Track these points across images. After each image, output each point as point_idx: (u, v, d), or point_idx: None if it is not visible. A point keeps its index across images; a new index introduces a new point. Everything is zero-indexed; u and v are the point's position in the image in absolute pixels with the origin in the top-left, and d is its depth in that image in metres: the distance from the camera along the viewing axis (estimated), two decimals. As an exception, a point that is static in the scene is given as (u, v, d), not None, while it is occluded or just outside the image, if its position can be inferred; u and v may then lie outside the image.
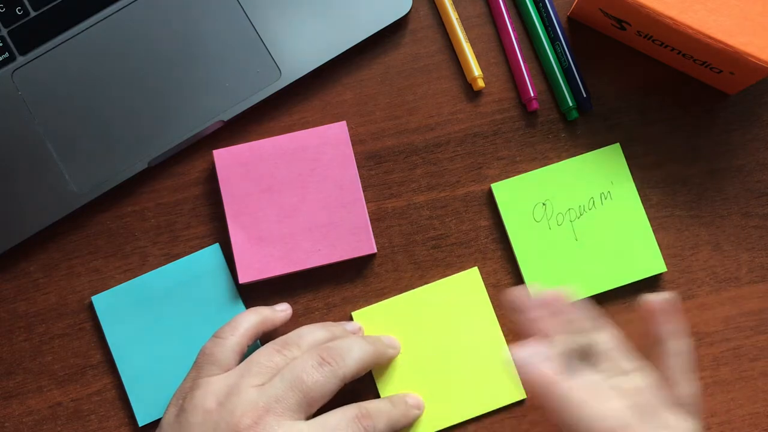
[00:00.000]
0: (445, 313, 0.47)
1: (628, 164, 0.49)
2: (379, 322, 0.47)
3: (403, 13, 0.50)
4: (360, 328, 0.46)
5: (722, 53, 0.44)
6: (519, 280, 0.48)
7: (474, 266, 0.48)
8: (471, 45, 0.51)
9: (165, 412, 0.41)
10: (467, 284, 0.48)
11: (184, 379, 0.42)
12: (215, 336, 0.43)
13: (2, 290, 0.49)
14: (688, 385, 0.38)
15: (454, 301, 0.48)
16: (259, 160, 0.48)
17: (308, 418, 0.40)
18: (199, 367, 0.41)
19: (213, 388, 0.39)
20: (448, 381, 0.47)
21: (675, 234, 0.49)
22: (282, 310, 0.46)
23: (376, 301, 0.48)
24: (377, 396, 0.46)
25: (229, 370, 0.41)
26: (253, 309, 0.45)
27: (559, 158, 0.50)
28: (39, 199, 0.48)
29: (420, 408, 0.45)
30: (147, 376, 0.47)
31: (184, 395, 0.40)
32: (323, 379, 0.39)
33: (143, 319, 0.47)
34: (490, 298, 0.48)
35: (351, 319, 0.48)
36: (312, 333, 0.43)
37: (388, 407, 0.42)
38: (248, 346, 0.43)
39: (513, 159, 0.50)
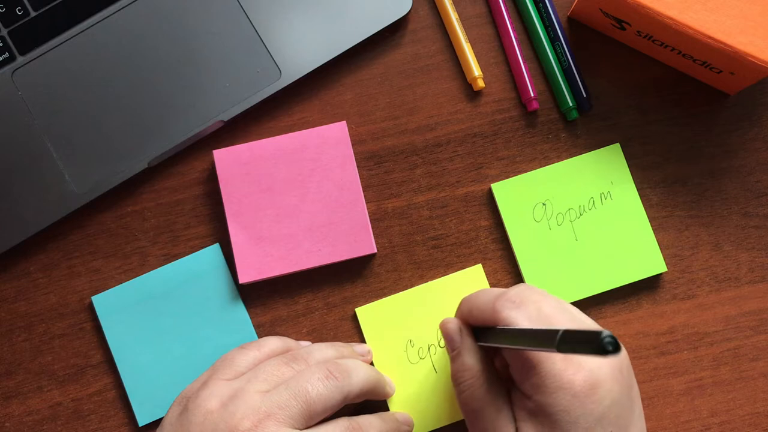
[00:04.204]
0: (448, 310, 0.47)
1: (628, 164, 0.49)
2: (383, 319, 0.47)
3: (403, 13, 0.50)
4: (369, 351, 0.47)
5: (722, 53, 0.44)
6: (519, 279, 0.48)
7: (477, 263, 0.48)
8: (471, 45, 0.51)
9: (169, 410, 0.41)
10: (471, 281, 0.48)
11: (196, 379, 0.42)
12: (241, 347, 0.43)
13: (2, 290, 0.49)
14: None
15: (458, 298, 0.47)
16: (259, 160, 0.48)
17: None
18: (215, 368, 0.42)
19: (219, 390, 0.39)
20: (448, 380, 0.47)
21: (675, 234, 0.49)
22: (305, 346, 0.46)
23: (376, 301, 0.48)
24: (386, 407, 0.46)
25: None
26: (280, 337, 0.45)
27: (559, 158, 0.50)
28: (39, 199, 0.48)
29: (410, 425, 0.45)
30: (147, 376, 0.47)
31: (190, 394, 0.40)
32: (327, 392, 0.39)
33: (143, 319, 0.47)
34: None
35: (354, 316, 0.48)
36: (321, 351, 0.43)
37: (379, 422, 0.42)
38: None
39: (513, 159, 0.50)
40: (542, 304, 0.38)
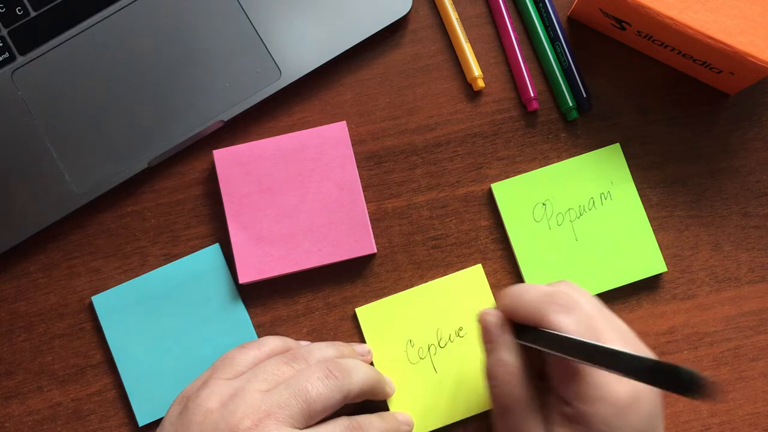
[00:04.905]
0: (448, 310, 0.47)
1: (628, 164, 0.49)
2: (383, 319, 0.47)
3: (403, 13, 0.50)
4: (369, 351, 0.47)
5: (722, 53, 0.44)
6: (519, 279, 0.48)
7: (477, 264, 0.48)
8: (471, 45, 0.51)
9: (169, 409, 0.41)
10: (471, 281, 0.48)
11: (196, 378, 0.42)
12: (241, 346, 0.43)
13: (2, 290, 0.49)
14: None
15: (457, 298, 0.48)
16: (259, 160, 0.48)
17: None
18: (215, 367, 0.42)
19: (219, 389, 0.39)
20: (448, 380, 0.47)
21: (675, 234, 0.49)
22: (305, 345, 0.45)
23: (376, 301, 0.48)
24: (386, 407, 0.46)
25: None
26: (280, 336, 0.45)
27: (559, 158, 0.50)
28: (39, 199, 0.48)
29: (410, 425, 0.45)
30: (147, 376, 0.47)
31: (190, 394, 0.40)
32: (327, 391, 0.39)
33: (143, 319, 0.47)
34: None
35: (354, 316, 0.48)
36: (321, 350, 0.43)
37: (379, 421, 0.42)
38: None
39: (513, 159, 0.50)
40: (589, 309, 0.37)
